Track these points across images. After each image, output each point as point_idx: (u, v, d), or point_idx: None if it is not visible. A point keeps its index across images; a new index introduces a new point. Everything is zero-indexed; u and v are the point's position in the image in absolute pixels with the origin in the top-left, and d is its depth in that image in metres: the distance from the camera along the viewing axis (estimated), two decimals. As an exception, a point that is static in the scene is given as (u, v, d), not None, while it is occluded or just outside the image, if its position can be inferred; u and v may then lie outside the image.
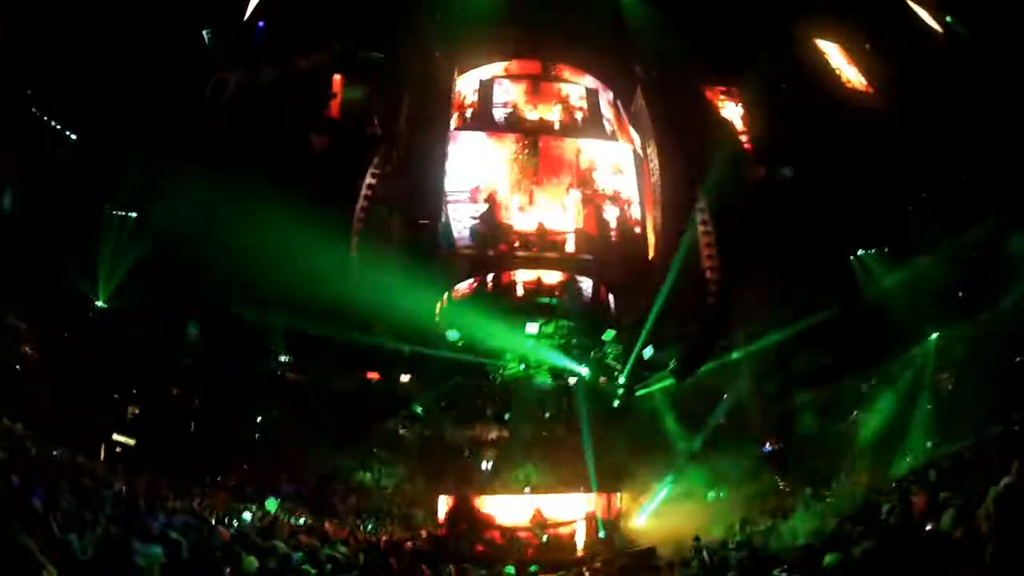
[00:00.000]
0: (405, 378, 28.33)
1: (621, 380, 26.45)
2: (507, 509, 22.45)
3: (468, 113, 29.45)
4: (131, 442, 22.41)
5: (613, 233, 27.92)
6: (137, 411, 24.14)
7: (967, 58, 22.28)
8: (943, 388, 22.14)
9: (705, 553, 12.64)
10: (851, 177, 23.45)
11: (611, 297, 27.61)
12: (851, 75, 25.37)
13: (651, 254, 27.21)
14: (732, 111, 28.22)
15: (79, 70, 21.45)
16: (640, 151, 28.90)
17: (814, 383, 25.12)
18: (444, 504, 22.56)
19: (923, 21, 23.14)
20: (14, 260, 20.17)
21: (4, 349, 21.24)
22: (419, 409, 26.51)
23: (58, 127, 23.07)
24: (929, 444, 19.23)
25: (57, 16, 20.44)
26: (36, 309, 22.35)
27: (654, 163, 27.70)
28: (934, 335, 23.22)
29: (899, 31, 22.99)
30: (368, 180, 27.94)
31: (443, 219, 26.76)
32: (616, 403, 26.33)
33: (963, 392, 20.56)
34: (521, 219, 27.79)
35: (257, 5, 24.28)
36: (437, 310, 27.22)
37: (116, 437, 22.26)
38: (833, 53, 26.15)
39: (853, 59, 25.51)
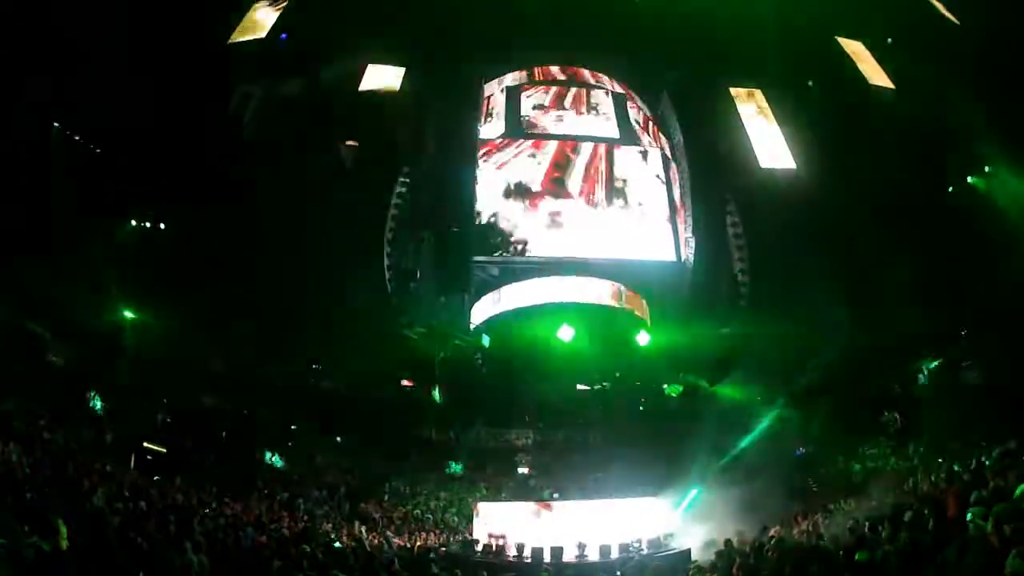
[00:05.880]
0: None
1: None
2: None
3: (495, 121, 29.39)
4: (162, 450, 22.71)
5: (642, 237, 27.65)
6: (168, 419, 24.47)
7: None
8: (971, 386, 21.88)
9: (737, 555, 12.51)
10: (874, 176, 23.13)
11: (644, 302, 27.38)
12: (874, 72, 24.95)
13: (681, 257, 26.96)
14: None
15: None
16: (668, 155, 28.70)
17: (843, 383, 24.84)
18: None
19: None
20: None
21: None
22: None
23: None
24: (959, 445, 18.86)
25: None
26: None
27: (683, 166, 27.52)
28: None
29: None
30: (398, 188, 28.23)
31: (475, 224, 26.75)
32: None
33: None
34: (550, 224, 27.65)
35: (279, 18, 24.52)
36: (470, 317, 27.33)
37: (147, 445, 22.58)
38: (856, 51, 25.73)
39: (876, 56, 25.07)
